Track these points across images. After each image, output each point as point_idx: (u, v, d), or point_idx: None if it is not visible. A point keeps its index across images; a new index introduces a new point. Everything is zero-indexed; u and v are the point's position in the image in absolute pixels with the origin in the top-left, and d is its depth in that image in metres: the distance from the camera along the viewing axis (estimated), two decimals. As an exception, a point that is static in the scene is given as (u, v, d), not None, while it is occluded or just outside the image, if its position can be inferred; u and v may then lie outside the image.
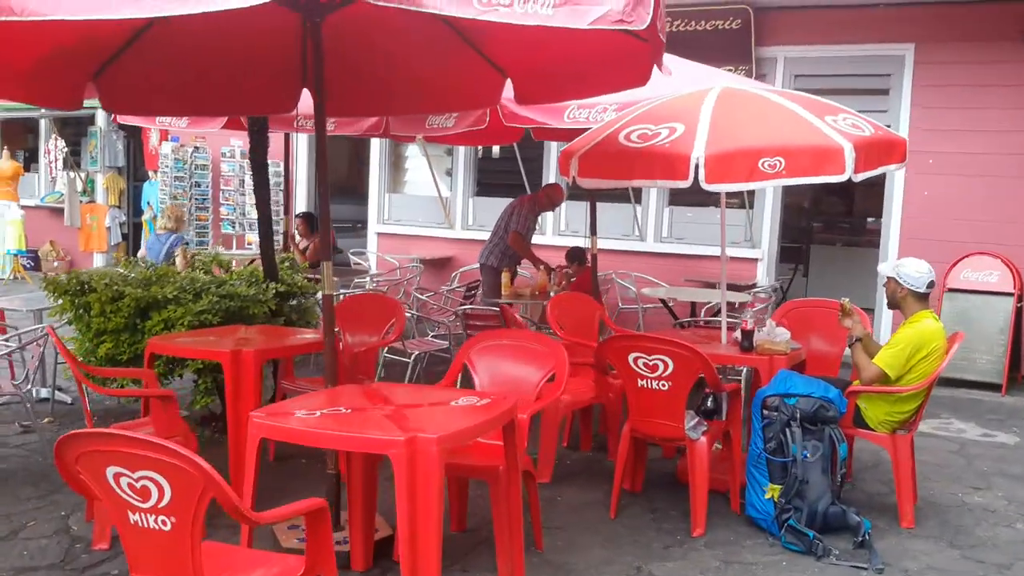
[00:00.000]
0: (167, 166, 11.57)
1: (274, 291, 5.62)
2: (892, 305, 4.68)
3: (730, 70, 8.12)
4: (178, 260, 7.43)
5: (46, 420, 5.84)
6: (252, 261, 6.90)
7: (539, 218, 8.34)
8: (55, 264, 13.04)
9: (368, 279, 9.05)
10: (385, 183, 11.03)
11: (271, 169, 10.81)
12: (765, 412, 4.34)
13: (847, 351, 4.78)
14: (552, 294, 6.89)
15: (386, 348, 6.63)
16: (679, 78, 4.95)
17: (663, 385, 4.36)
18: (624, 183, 4.75)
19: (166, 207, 9.02)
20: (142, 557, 2.48)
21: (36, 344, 5.25)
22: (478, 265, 8.09)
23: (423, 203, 10.70)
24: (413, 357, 6.67)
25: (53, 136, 13.58)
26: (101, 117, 12.71)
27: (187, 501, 2.31)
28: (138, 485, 2.33)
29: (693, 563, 4.00)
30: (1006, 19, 7.95)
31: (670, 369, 4.31)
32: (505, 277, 7.43)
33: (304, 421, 3.10)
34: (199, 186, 11.73)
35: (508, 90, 4.92)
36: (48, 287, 5.42)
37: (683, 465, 4.63)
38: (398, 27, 4.14)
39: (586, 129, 5.06)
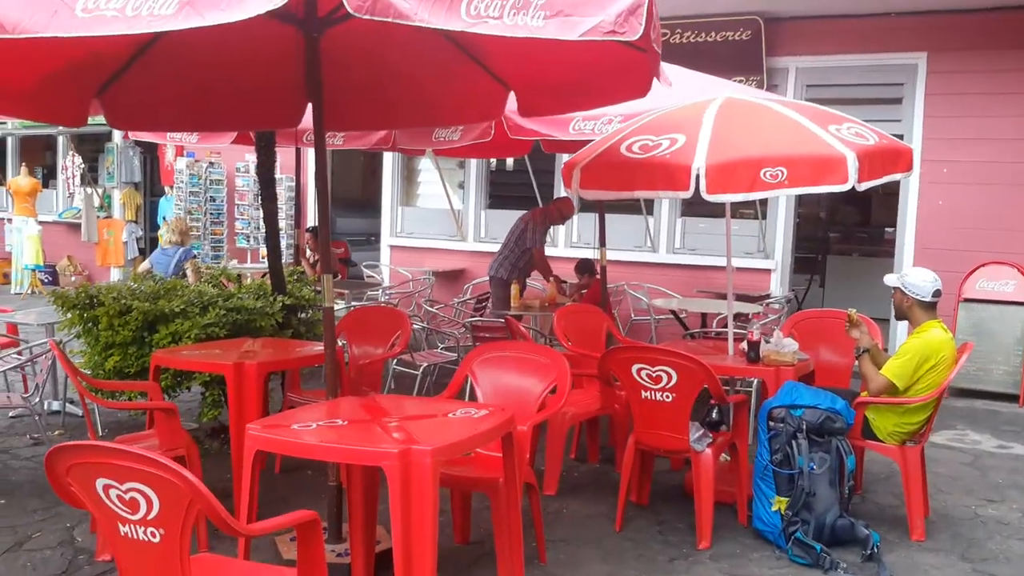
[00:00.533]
0: (182, 181, 11.70)
1: (281, 304, 5.64)
2: (899, 315, 4.63)
3: (741, 81, 8.10)
4: (190, 274, 7.47)
5: (57, 432, 5.89)
6: (265, 274, 6.93)
7: (550, 230, 8.34)
8: (72, 279, 13.17)
9: (380, 291, 9.08)
10: (398, 196, 11.08)
11: (285, 184, 10.99)
12: (771, 424, 4.30)
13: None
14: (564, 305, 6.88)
15: (395, 360, 6.64)
16: (684, 89, 4.94)
17: (667, 397, 4.33)
18: (626, 194, 4.73)
19: (171, 221, 9.07)
20: (133, 569, 2.49)
21: (45, 357, 5.30)
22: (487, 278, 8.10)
23: (436, 216, 10.73)
24: (422, 369, 6.66)
25: (71, 153, 13.75)
26: (117, 134, 12.85)
27: (175, 513, 2.32)
28: (127, 497, 2.34)
29: (698, 576, 3.97)
30: (1019, 27, 7.89)
31: (673, 380, 4.28)
32: (514, 289, 7.46)
33: (299, 433, 3.10)
34: (214, 201, 11.85)
35: (512, 103, 4.93)
36: (57, 301, 5.46)
37: (690, 477, 4.59)
38: (399, 40, 4.15)
39: (592, 141, 5.06)
